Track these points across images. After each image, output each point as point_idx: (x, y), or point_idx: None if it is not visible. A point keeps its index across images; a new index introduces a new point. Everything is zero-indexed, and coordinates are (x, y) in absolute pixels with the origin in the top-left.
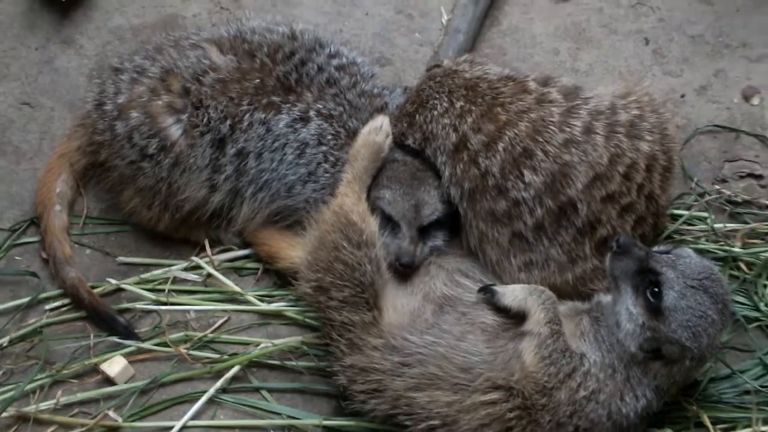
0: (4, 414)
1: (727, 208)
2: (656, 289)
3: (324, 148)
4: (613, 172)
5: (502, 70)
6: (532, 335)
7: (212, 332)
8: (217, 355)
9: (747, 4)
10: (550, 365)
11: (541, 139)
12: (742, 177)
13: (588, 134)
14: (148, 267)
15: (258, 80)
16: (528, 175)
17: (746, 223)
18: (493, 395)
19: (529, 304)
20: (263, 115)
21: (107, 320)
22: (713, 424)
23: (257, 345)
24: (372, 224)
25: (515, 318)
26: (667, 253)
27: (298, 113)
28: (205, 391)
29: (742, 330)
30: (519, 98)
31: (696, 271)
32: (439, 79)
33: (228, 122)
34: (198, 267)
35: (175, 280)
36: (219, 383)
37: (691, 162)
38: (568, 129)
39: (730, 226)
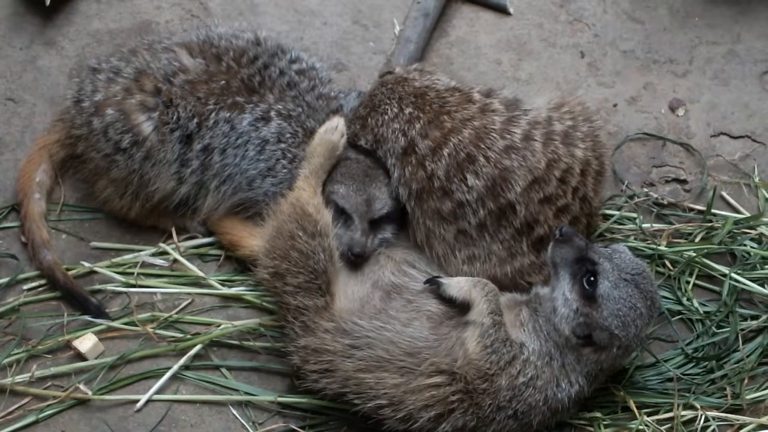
0: None
1: (654, 209)
2: (592, 278)
3: (283, 145)
4: (550, 176)
5: (450, 81)
6: (476, 325)
7: (177, 313)
8: (180, 335)
9: (674, 24)
10: (492, 353)
11: (483, 146)
12: (668, 181)
13: (527, 141)
14: (119, 252)
15: (224, 82)
16: (471, 179)
17: (671, 223)
18: (437, 379)
19: (473, 295)
20: (228, 114)
21: (80, 300)
22: (638, 408)
23: (218, 326)
24: (326, 216)
25: (459, 308)
26: (605, 247)
27: (260, 113)
28: (169, 368)
29: (666, 322)
30: (464, 107)
31: (630, 266)
32: (390, 86)
33: (195, 120)
34: (165, 253)
35: (144, 265)
36: (182, 360)
37: (621, 166)
38: (508, 136)
39: (657, 226)
